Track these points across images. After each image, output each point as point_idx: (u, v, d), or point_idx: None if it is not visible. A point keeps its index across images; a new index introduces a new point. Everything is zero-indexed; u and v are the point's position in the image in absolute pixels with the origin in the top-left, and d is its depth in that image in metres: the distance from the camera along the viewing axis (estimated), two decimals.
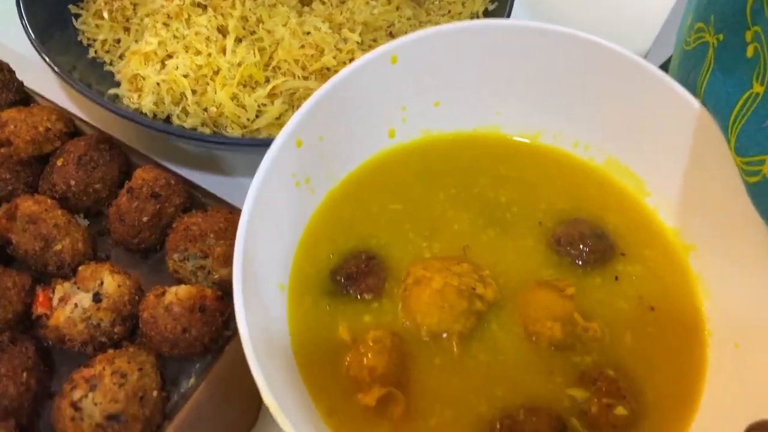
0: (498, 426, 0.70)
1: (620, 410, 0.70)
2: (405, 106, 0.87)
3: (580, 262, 0.81)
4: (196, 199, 0.95)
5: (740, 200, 0.76)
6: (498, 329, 0.76)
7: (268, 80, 1.07)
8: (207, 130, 1.07)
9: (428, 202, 0.85)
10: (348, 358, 0.72)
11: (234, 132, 1.06)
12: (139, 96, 1.08)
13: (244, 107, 1.05)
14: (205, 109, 1.05)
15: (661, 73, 0.81)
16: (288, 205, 0.78)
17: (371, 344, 0.72)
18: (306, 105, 0.76)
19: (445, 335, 0.74)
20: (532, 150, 0.91)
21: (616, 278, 0.81)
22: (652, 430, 0.72)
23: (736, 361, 0.74)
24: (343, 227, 0.82)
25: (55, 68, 1.02)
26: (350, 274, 0.78)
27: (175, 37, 1.10)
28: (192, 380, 0.81)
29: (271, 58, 1.09)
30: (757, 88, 0.73)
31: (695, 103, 0.79)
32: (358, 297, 0.77)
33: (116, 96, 1.10)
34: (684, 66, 0.86)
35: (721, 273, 0.79)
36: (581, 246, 0.81)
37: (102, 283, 0.82)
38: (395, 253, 0.81)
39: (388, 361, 0.71)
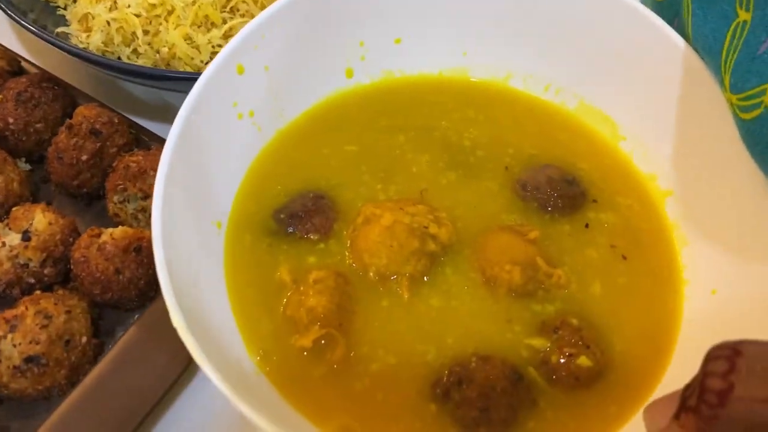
0: (446, 374, 0.63)
1: (583, 360, 0.64)
2: (363, 41, 0.81)
3: (549, 208, 0.75)
4: (142, 142, 0.90)
5: (721, 143, 0.70)
6: (453, 273, 0.70)
7: (225, 21, 1.02)
8: None
9: (386, 143, 0.79)
10: (286, 300, 0.67)
11: None
12: (88, 35, 1.03)
13: (197, 48, 1.00)
14: (158, 51, 1.01)
15: (642, 8, 0.75)
16: (229, 137, 0.73)
17: (312, 284, 0.66)
18: (248, 27, 0.71)
19: (394, 277, 0.68)
20: (501, 93, 0.85)
21: (587, 226, 0.75)
22: (620, 382, 0.65)
23: (712, 308, 0.68)
24: (293, 168, 0.77)
25: (2, 5, 0.97)
26: (294, 213, 0.72)
27: None
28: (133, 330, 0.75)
29: None
30: (743, 15, 0.66)
31: (677, 39, 0.73)
32: (304, 236, 0.71)
33: (65, 35, 1.05)
34: (666, 17, 0.81)
35: (699, 219, 0.73)
36: (549, 191, 0.75)
37: (32, 222, 0.77)
38: (347, 195, 0.75)
39: (329, 302, 0.65)
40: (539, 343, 0.66)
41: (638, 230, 0.75)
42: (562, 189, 0.75)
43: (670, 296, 0.71)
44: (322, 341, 0.64)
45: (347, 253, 0.70)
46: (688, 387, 0.44)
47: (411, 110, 0.83)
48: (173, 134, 0.63)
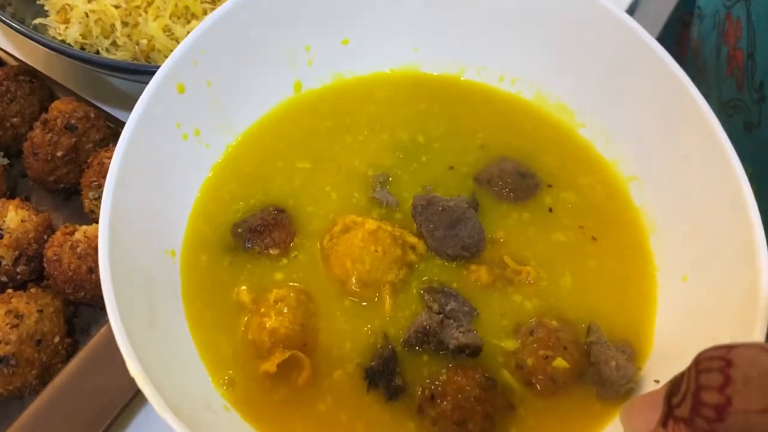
0: (419, 392, 0.62)
1: (560, 362, 0.62)
2: (309, 45, 0.78)
3: (503, 199, 0.73)
4: (120, 136, 0.87)
5: (682, 127, 0.69)
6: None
7: (206, 12, 0.98)
8: None
9: (334, 149, 0.76)
10: (247, 321, 0.64)
11: None
12: (66, 27, 0.99)
13: (177, 40, 0.96)
14: (137, 44, 0.97)
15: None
16: (177, 160, 0.70)
17: (273, 304, 0.64)
18: (183, 44, 0.68)
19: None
20: (455, 86, 0.83)
21: (550, 210, 0.73)
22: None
23: (685, 294, 0.66)
24: (246, 183, 0.74)
25: None
26: (253, 228, 0.69)
27: None
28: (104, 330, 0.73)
29: None
30: None
31: (632, 23, 0.71)
32: (264, 252, 0.69)
33: (43, 26, 1.01)
34: None
35: (664, 205, 0.71)
36: (500, 183, 0.73)
37: (5, 219, 0.75)
38: (307, 208, 0.72)
39: (292, 322, 0.63)
40: (510, 344, 0.64)
41: (605, 212, 0.74)
42: (514, 182, 0.73)
43: (643, 283, 0.69)
44: (287, 364, 0.61)
45: (322, 266, 0.68)
46: (673, 392, 0.42)
47: (358, 109, 0.80)
48: (114, 168, 0.60)
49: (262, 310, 0.64)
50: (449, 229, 0.69)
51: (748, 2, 0.89)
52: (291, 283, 0.67)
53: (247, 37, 0.73)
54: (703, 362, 0.41)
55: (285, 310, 0.63)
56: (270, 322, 0.63)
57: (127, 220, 0.61)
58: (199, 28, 0.68)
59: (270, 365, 0.60)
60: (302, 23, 0.76)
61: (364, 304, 0.66)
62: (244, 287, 0.66)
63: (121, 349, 0.52)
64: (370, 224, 0.68)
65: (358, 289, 0.66)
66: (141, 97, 0.64)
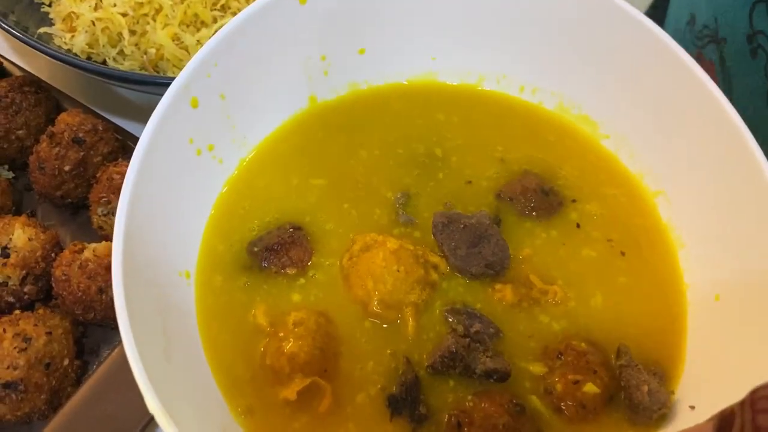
0: (445, 420, 0.59)
1: (590, 387, 0.60)
2: (325, 55, 0.76)
3: (526, 216, 0.71)
4: (130, 150, 0.84)
5: (711, 139, 0.66)
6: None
7: (215, 20, 0.95)
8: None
9: (350, 166, 0.74)
10: (265, 346, 0.62)
11: (176, 76, 0.94)
12: (72, 36, 0.96)
13: (186, 49, 0.94)
14: (145, 52, 0.94)
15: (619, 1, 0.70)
16: (190, 176, 0.67)
17: (292, 328, 0.61)
18: (198, 55, 0.65)
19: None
20: (474, 95, 0.80)
21: (578, 225, 0.71)
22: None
23: (718, 315, 0.64)
24: (262, 200, 0.71)
25: None
26: (270, 246, 0.67)
27: None
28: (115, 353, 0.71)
29: None
30: None
31: (659, 32, 0.68)
32: (281, 271, 0.66)
33: (48, 35, 0.98)
34: None
35: (693, 220, 0.69)
36: (523, 201, 0.71)
37: (12, 237, 0.73)
38: (326, 226, 0.70)
39: (312, 347, 0.60)
40: (538, 369, 0.62)
41: (632, 225, 0.71)
42: (538, 200, 0.71)
43: (673, 302, 0.67)
44: (308, 391, 0.59)
45: (342, 286, 0.65)
46: (723, 429, 0.40)
47: (374, 121, 0.78)
48: (126, 191, 0.58)
49: (281, 333, 0.61)
50: (472, 247, 0.67)
51: (720, 45, 0.86)
52: (309, 305, 0.64)
53: (262, 47, 0.71)
54: (759, 401, 0.39)
55: (304, 334, 0.61)
56: (289, 347, 0.60)
57: (141, 243, 0.59)
58: (213, 39, 0.66)
59: (290, 392, 0.58)
60: (318, 33, 0.74)
61: (385, 326, 0.64)
62: (261, 309, 0.64)
63: (138, 384, 0.50)
64: (392, 243, 0.65)
65: (380, 311, 0.64)
66: (154, 113, 0.62)
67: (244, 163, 0.73)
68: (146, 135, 0.61)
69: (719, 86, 0.65)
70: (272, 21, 0.70)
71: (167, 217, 0.64)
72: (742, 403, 0.40)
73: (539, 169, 0.73)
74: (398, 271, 0.64)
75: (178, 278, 0.64)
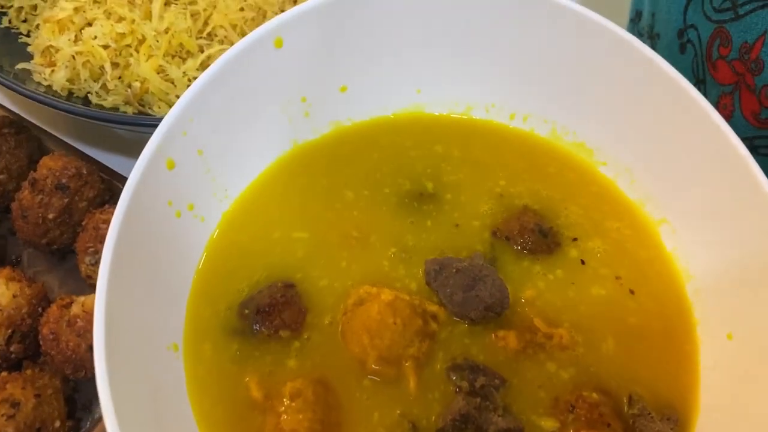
0: None
1: None
2: (305, 96, 0.72)
3: (525, 254, 0.68)
4: (116, 191, 0.82)
5: (712, 164, 0.64)
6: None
7: (202, 50, 0.91)
8: (130, 110, 0.91)
9: (339, 211, 0.70)
10: (261, 422, 0.59)
11: (161, 111, 0.90)
12: (52, 71, 0.92)
13: (172, 82, 0.90)
14: (129, 86, 0.90)
15: (606, 22, 0.67)
16: (171, 240, 0.63)
17: (289, 401, 0.58)
18: (171, 114, 0.61)
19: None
20: (463, 126, 0.77)
21: (583, 262, 0.68)
22: None
23: (731, 353, 0.62)
24: (245, 257, 0.67)
25: None
26: (261, 308, 0.63)
27: (95, 1, 0.94)
28: None
29: (206, 23, 0.93)
30: None
31: (651, 54, 0.65)
32: (273, 334, 0.63)
33: (26, 72, 0.94)
34: None
35: (701, 250, 0.67)
36: (521, 241, 0.68)
37: None
38: (319, 282, 0.66)
39: (312, 420, 0.57)
40: (550, 424, 0.59)
41: (638, 259, 0.69)
42: (535, 241, 0.68)
43: (684, 340, 0.65)
44: None
45: (341, 342, 0.62)
46: None
47: (360, 160, 0.74)
48: (105, 266, 0.54)
49: (279, 408, 0.58)
50: (468, 291, 0.63)
51: (654, 41, 0.86)
52: (306, 372, 0.61)
53: (238, 96, 0.67)
54: None
55: (302, 407, 0.57)
56: (287, 423, 0.57)
57: (124, 320, 0.55)
58: (186, 95, 0.62)
59: None
60: (296, 75, 0.70)
61: (385, 384, 0.61)
62: (254, 380, 0.60)
63: None
64: (387, 294, 0.62)
65: (378, 368, 0.61)
66: (128, 182, 0.58)
67: (226, 218, 0.69)
68: (122, 204, 0.57)
69: None
70: (247, 68, 0.66)
71: (150, 288, 0.60)
72: None
73: (540, 205, 0.70)
74: (395, 323, 0.60)
75: (166, 352, 0.60)
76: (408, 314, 0.61)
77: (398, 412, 0.59)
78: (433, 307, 0.64)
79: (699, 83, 0.77)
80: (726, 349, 0.62)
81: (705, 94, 0.67)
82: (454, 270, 0.64)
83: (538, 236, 0.67)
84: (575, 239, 0.68)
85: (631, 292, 0.66)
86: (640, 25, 0.91)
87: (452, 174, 0.73)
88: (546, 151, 0.74)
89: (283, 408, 0.58)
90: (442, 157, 0.74)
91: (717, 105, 0.73)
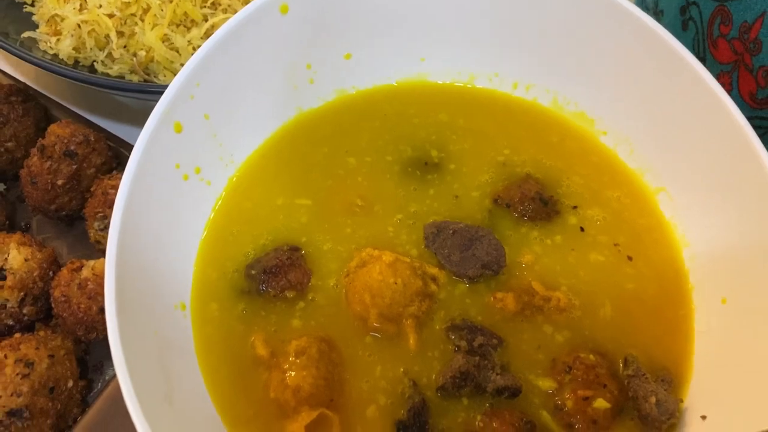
0: None
1: (600, 403, 0.59)
2: (310, 63, 0.73)
3: (525, 220, 0.69)
4: (123, 158, 0.83)
5: (710, 133, 0.65)
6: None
7: (206, 19, 0.92)
8: (135, 78, 0.92)
9: (342, 178, 0.71)
10: (267, 378, 0.60)
11: (167, 80, 0.91)
12: (58, 40, 0.93)
13: (177, 51, 0.91)
14: (134, 54, 0.91)
15: None
16: (177, 204, 0.65)
17: (294, 358, 0.60)
18: (177, 79, 0.62)
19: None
20: (469, 94, 0.78)
21: (582, 229, 0.69)
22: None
23: (725, 317, 0.63)
24: (251, 222, 0.69)
25: None
26: (268, 268, 0.65)
27: None
28: None
29: None
30: None
31: (652, 24, 0.66)
32: (279, 295, 0.64)
33: (32, 40, 0.95)
34: None
35: (697, 218, 0.68)
36: (521, 209, 0.69)
37: (7, 257, 0.71)
38: (324, 246, 0.67)
39: (316, 376, 0.59)
40: (547, 384, 0.61)
41: (636, 225, 0.70)
42: (535, 208, 0.69)
43: (680, 304, 0.66)
44: (315, 422, 0.58)
45: (337, 307, 0.64)
46: None
47: (363, 127, 0.75)
48: (115, 225, 0.55)
49: (284, 365, 0.60)
50: (465, 251, 0.65)
51: (658, 17, 0.86)
52: (310, 331, 0.63)
53: (244, 61, 0.68)
54: None
55: (307, 364, 0.59)
56: (292, 379, 0.59)
57: (133, 281, 0.57)
58: (193, 59, 0.63)
59: (297, 427, 0.57)
60: (301, 41, 0.71)
61: (386, 340, 0.62)
62: (260, 338, 0.62)
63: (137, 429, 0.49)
64: (388, 256, 0.64)
65: (379, 325, 0.62)
66: (137, 144, 0.59)
67: (232, 183, 0.70)
68: (131, 166, 0.58)
69: None
70: (253, 34, 0.67)
71: (159, 249, 0.62)
72: None
73: (542, 174, 0.72)
74: (396, 283, 0.62)
75: (174, 311, 0.62)
76: (408, 275, 0.63)
77: (401, 369, 0.61)
78: (433, 270, 0.65)
79: (699, 61, 0.77)
80: (720, 313, 0.63)
81: None
82: (451, 231, 0.66)
83: (538, 204, 0.69)
84: (575, 207, 0.70)
85: (629, 258, 0.68)
86: (647, 2, 0.91)
87: (457, 143, 0.74)
88: (548, 121, 0.75)
89: (288, 365, 0.60)
90: (447, 126, 0.75)
91: None
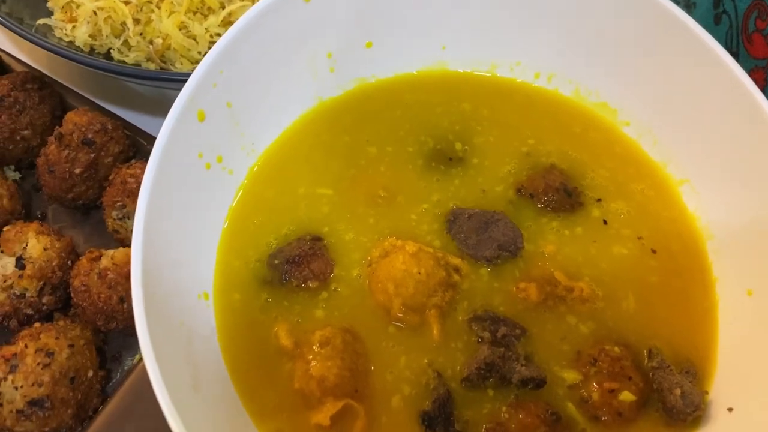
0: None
1: (626, 396, 0.58)
2: (331, 52, 0.72)
3: (548, 211, 0.69)
4: (140, 147, 0.82)
5: (735, 123, 0.64)
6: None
7: (223, 6, 0.91)
8: (152, 66, 0.92)
9: (363, 168, 0.71)
10: (291, 368, 0.60)
11: (183, 68, 0.91)
12: (73, 27, 0.92)
13: (194, 38, 0.90)
14: (151, 42, 0.90)
15: None
16: (200, 193, 0.64)
17: (318, 348, 0.60)
18: (200, 67, 0.61)
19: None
20: (490, 84, 0.77)
21: (605, 222, 0.68)
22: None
23: (750, 309, 0.63)
24: (273, 212, 0.68)
25: None
26: (291, 258, 0.64)
27: None
28: (138, 356, 0.71)
29: None
30: None
31: (675, 10, 0.65)
32: (302, 285, 0.64)
33: (47, 27, 0.94)
34: None
35: (720, 210, 0.67)
36: (545, 199, 0.69)
37: (26, 247, 0.71)
38: (345, 236, 0.67)
39: (341, 367, 0.59)
40: (572, 376, 0.61)
41: (659, 218, 0.69)
42: (559, 200, 0.69)
43: (703, 296, 0.66)
44: (340, 413, 0.57)
45: (361, 297, 0.63)
46: None
47: (383, 117, 0.74)
48: (140, 214, 0.55)
49: (308, 356, 0.59)
50: (482, 233, 0.66)
51: (690, 10, 0.85)
52: (334, 321, 0.62)
53: (266, 50, 0.67)
54: None
55: (331, 355, 0.59)
56: (317, 370, 0.58)
57: (158, 268, 0.57)
58: (216, 47, 0.62)
59: (323, 418, 0.57)
60: (323, 30, 0.70)
61: (410, 330, 0.62)
62: (283, 329, 0.62)
63: (168, 420, 0.48)
64: (411, 246, 0.63)
65: (402, 315, 0.62)
66: (162, 131, 0.59)
67: (253, 173, 0.70)
68: (156, 153, 0.58)
69: None
70: (275, 22, 0.66)
71: (181, 238, 0.61)
72: None
73: (567, 165, 0.71)
74: (419, 273, 0.62)
75: (197, 301, 0.62)
76: (431, 265, 0.63)
77: (425, 360, 0.61)
78: (455, 260, 0.65)
79: (731, 56, 0.76)
80: (746, 305, 0.63)
81: None
82: (467, 216, 0.66)
83: (562, 195, 0.68)
84: (599, 200, 0.69)
85: (653, 251, 0.67)
86: None
87: (482, 135, 0.73)
88: (570, 111, 0.75)
89: (312, 355, 0.59)
90: (471, 116, 0.74)
91: None
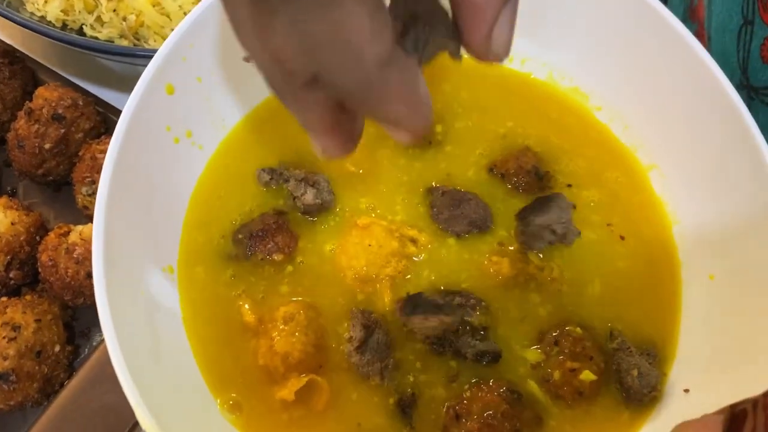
0: (444, 412, 0.59)
1: (587, 375, 0.59)
2: None
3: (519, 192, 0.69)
4: (112, 124, 0.82)
5: (704, 111, 0.65)
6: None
7: None
8: (125, 43, 0.91)
9: None
10: (255, 345, 0.60)
11: (157, 45, 0.90)
12: (46, 2, 0.91)
13: (168, 16, 0.89)
14: (124, 19, 0.90)
15: None
16: (167, 167, 0.64)
17: (282, 325, 0.60)
18: (172, 38, 0.61)
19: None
20: (465, 66, 0.76)
21: (574, 207, 0.69)
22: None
23: (712, 294, 0.63)
24: (237, 187, 0.68)
25: None
26: (255, 233, 0.65)
27: None
28: None
29: None
30: None
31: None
32: (267, 258, 0.64)
33: (19, 1, 0.93)
34: None
35: (688, 195, 0.68)
36: (515, 180, 0.69)
37: None
38: None
39: (305, 343, 0.59)
40: (534, 356, 0.61)
41: (630, 204, 0.70)
42: (528, 182, 0.69)
43: (668, 278, 0.66)
44: (304, 388, 0.58)
45: (324, 270, 0.64)
46: (734, 428, 0.39)
47: None
48: (104, 184, 0.55)
49: (273, 332, 0.59)
50: (454, 209, 0.66)
51: None
52: (298, 296, 0.63)
53: None
54: None
55: (296, 332, 0.59)
56: (281, 346, 0.59)
57: (122, 240, 0.56)
58: (186, 20, 0.62)
59: (287, 393, 0.57)
60: None
61: (361, 299, 0.63)
62: (246, 305, 0.62)
63: (123, 388, 0.49)
64: (363, 220, 0.65)
65: (356, 286, 0.63)
66: (128, 104, 0.58)
67: (222, 147, 0.70)
68: (121, 126, 0.57)
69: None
70: None
71: (147, 212, 0.61)
72: (754, 404, 0.39)
73: (542, 149, 0.71)
74: (370, 245, 0.63)
75: (162, 273, 0.62)
76: (383, 237, 0.64)
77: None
78: (411, 231, 0.65)
79: (747, 24, 0.73)
80: (707, 290, 0.64)
81: (751, 36, 0.67)
82: (441, 193, 0.67)
83: (533, 177, 0.68)
84: (569, 185, 0.69)
85: (622, 238, 0.68)
86: None
87: (462, 118, 0.73)
88: (546, 95, 0.74)
89: (277, 332, 0.59)
90: (456, 98, 0.74)
91: (761, 47, 0.71)
